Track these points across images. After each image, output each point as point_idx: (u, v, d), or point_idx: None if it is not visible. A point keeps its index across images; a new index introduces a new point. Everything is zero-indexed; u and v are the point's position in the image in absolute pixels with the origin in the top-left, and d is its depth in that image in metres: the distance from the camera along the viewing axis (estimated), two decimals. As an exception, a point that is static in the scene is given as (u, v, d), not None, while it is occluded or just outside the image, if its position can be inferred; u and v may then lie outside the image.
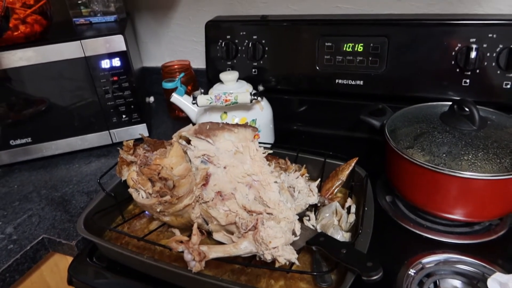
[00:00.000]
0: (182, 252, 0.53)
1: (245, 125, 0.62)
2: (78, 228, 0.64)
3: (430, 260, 0.59)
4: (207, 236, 0.62)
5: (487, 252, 0.60)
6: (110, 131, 0.98)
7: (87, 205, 0.71)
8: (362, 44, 0.88)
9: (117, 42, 0.89)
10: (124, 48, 0.89)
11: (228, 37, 0.99)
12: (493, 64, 0.79)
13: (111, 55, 0.89)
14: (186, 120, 0.97)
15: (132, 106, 0.96)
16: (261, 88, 0.87)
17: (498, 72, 0.80)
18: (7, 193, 0.86)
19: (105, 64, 0.90)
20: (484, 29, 0.79)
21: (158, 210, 0.60)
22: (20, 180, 0.91)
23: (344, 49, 0.89)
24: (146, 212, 0.74)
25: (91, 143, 0.98)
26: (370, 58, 0.88)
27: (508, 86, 0.80)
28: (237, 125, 0.62)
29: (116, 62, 0.90)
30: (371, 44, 0.87)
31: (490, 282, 0.49)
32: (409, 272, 0.57)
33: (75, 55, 0.87)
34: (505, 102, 0.80)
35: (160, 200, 0.57)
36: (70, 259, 0.70)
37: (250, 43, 0.97)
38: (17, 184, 0.89)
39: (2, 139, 0.92)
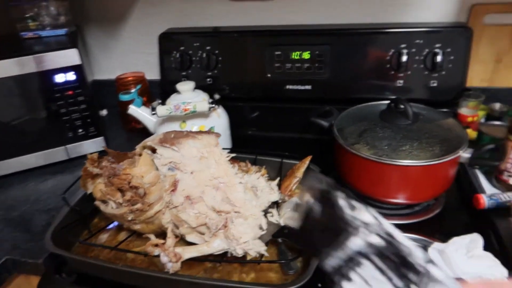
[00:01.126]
0: (158, 255, 0.55)
1: (208, 132, 0.66)
2: (47, 244, 0.63)
3: (380, 240, 0.67)
4: (180, 239, 0.65)
5: (426, 228, 0.70)
6: (66, 146, 0.97)
7: (52, 221, 0.71)
8: (308, 52, 0.96)
9: (71, 56, 0.88)
10: (78, 62, 0.89)
11: (182, 48, 1.02)
12: (421, 66, 0.91)
13: (65, 69, 0.89)
14: (142, 132, 0.98)
15: (89, 120, 0.96)
16: (217, 96, 0.91)
17: (426, 73, 0.91)
18: (-42, 218, 0.82)
19: (59, 78, 0.89)
20: (412, 35, 0.90)
21: (129, 218, 0.62)
22: (-28, 203, 0.87)
23: (292, 57, 0.97)
24: (112, 224, 0.75)
25: (46, 159, 0.96)
26: (316, 65, 0.96)
27: (435, 85, 0.92)
28: (201, 132, 0.66)
29: (71, 76, 0.90)
30: (316, 52, 0.95)
31: (430, 250, 0.57)
32: (363, 253, 0.64)
33: (26, 70, 0.86)
34: (432, 99, 0.92)
35: (132, 208, 0.60)
36: (34, 280, 0.69)
37: (204, 54, 1.01)
38: (-31, 208, 0.85)
39: None
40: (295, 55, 0.96)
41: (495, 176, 0.78)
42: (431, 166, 0.67)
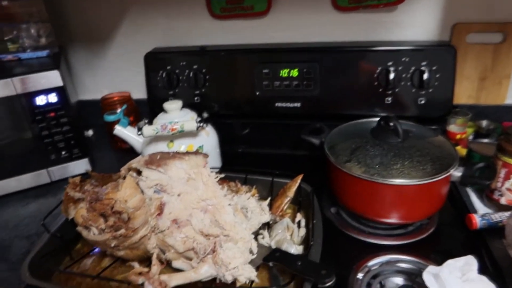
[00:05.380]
0: (142, 284, 0.52)
1: (196, 152, 0.64)
2: (23, 275, 0.60)
3: (374, 262, 0.65)
4: (165, 266, 0.62)
5: (420, 249, 0.68)
6: (48, 169, 0.94)
7: (31, 249, 0.67)
8: (296, 69, 0.95)
9: (53, 78, 0.86)
10: (61, 83, 0.87)
11: (169, 67, 1.01)
12: (408, 83, 0.91)
13: (47, 91, 0.86)
14: (129, 152, 0.96)
15: (72, 142, 0.93)
16: (205, 115, 0.89)
17: (413, 90, 0.91)
18: None
19: (41, 100, 0.87)
20: (398, 53, 0.90)
21: (112, 245, 0.59)
22: None
23: (281, 74, 0.96)
24: (96, 249, 0.71)
25: (27, 183, 0.93)
26: (304, 82, 0.96)
27: (422, 102, 0.92)
28: (187, 153, 0.64)
29: (53, 98, 0.87)
30: (304, 70, 0.95)
31: (425, 275, 0.56)
32: (358, 276, 0.62)
33: (6, 93, 0.83)
34: (421, 115, 0.92)
35: (115, 234, 0.57)
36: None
37: (191, 72, 1.00)
38: None
39: None
40: (283, 73, 0.96)
41: (486, 194, 0.77)
42: (423, 185, 0.65)
